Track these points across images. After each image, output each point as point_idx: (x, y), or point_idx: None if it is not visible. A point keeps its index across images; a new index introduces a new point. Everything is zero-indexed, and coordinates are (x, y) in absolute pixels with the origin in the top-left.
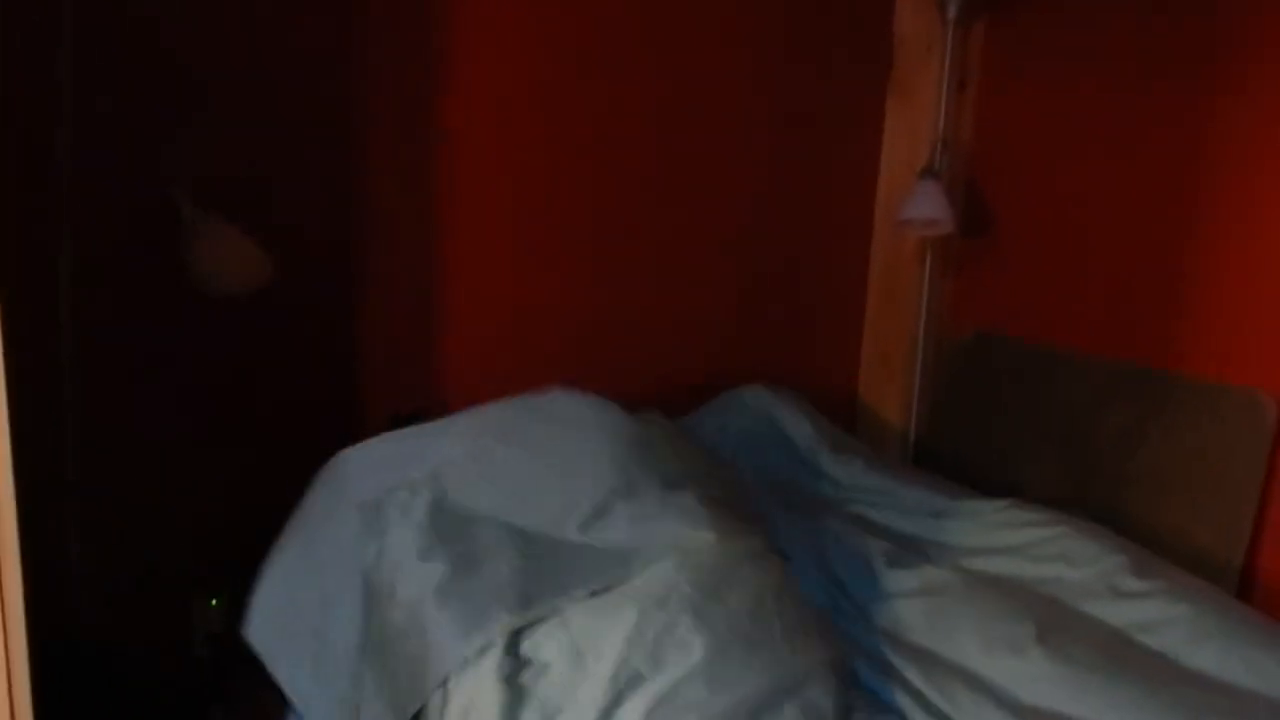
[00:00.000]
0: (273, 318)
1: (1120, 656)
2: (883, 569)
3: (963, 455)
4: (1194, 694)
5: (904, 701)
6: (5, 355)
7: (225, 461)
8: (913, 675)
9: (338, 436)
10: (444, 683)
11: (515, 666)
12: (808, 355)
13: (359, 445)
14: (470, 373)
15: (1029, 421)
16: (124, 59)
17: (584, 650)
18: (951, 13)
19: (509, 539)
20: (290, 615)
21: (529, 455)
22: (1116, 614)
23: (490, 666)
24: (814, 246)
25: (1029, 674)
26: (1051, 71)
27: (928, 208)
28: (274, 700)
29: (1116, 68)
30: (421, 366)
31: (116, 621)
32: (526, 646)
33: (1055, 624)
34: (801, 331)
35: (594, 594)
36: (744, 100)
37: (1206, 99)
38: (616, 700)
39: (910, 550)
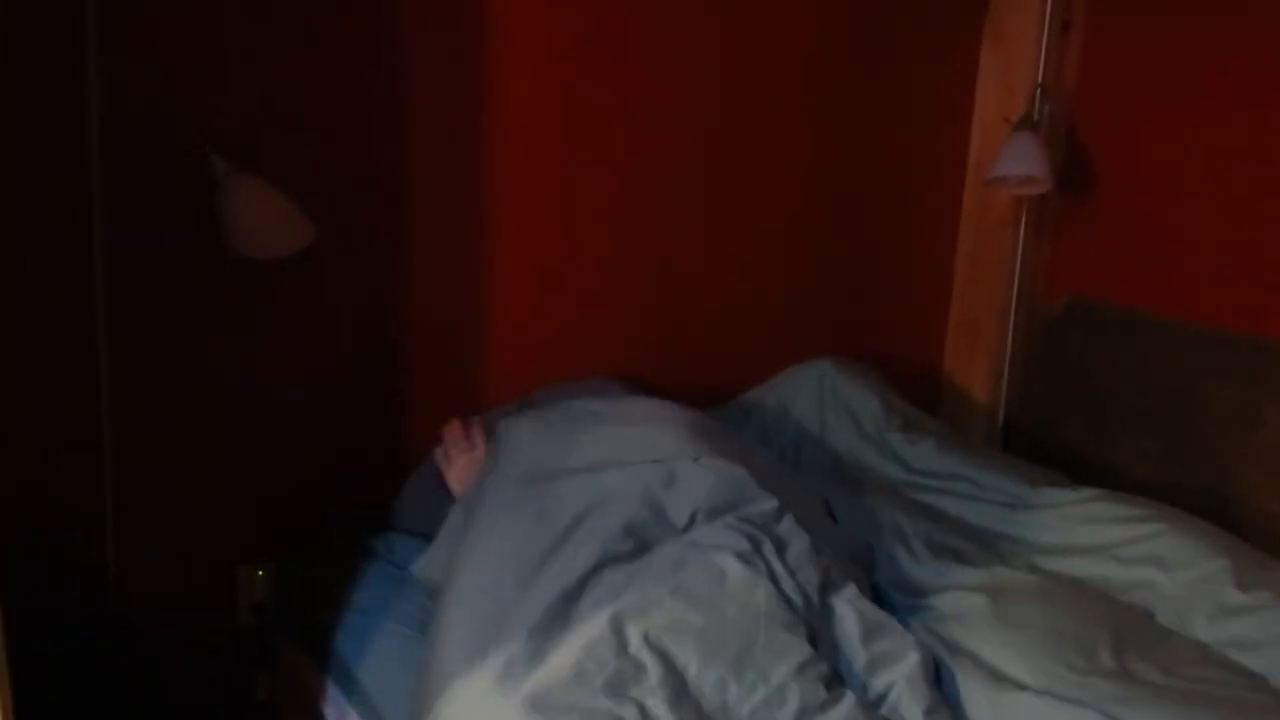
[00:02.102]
0: (315, 282)
1: (1209, 680)
2: (946, 566)
3: (1055, 433)
4: None
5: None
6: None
7: (270, 430)
8: (967, 686)
9: (381, 410)
10: None
11: None
12: (888, 325)
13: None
14: (523, 351)
15: (1129, 397)
16: (152, 12)
17: None
18: None
19: None
20: None
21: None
22: (1211, 632)
23: None
24: (898, 207)
25: (1095, 694)
26: (1167, 10)
27: (1023, 163)
28: (315, 669)
29: (1241, 5)
30: (470, 338)
31: (157, 589)
32: None
33: (1136, 640)
34: (883, 300)
35: None
36: (820, 48)
37: None
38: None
39: (979, 545)
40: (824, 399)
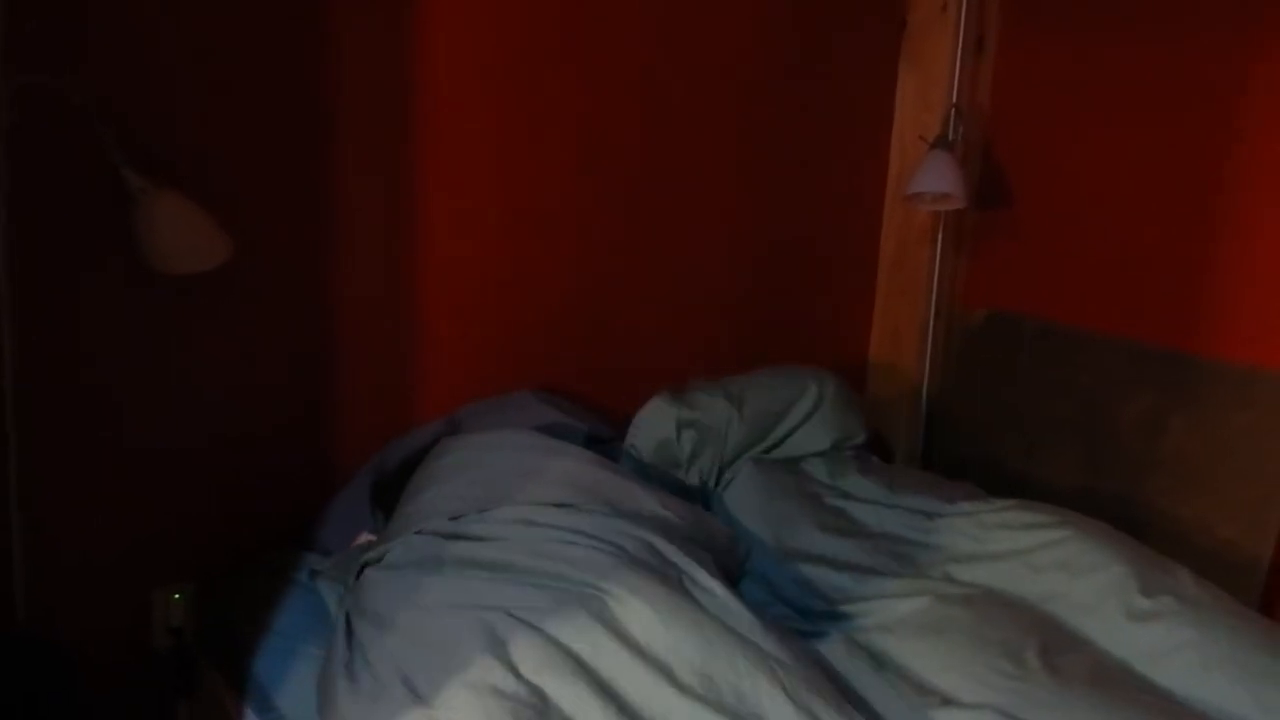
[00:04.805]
0: (233, 298)
1: (1127, 686)
2: (865, 576)
3: (975, 443)
4: None
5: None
6: None
7: (188, 451)
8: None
9: (304, 429)
10: None
11: None
12: (813, 337)
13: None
14: (448, 367)
15: (1044, 406)
16: (62, 23)
17: None
18: None
19: None
20: None
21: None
22: (1121, 642)
23: None
24: (823, 221)
25: (1028, 701)
26: (1076, 31)
27: (939, 180)
28: (233, 694)
29: (1147, 29)
30: (395, 356)
31: (70, 614)
32: None
33: (1058, 645)
34: (808, 311)
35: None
36: (746, 70)
37: (1241, 64)
38: None
39: (897, 555)
40: None
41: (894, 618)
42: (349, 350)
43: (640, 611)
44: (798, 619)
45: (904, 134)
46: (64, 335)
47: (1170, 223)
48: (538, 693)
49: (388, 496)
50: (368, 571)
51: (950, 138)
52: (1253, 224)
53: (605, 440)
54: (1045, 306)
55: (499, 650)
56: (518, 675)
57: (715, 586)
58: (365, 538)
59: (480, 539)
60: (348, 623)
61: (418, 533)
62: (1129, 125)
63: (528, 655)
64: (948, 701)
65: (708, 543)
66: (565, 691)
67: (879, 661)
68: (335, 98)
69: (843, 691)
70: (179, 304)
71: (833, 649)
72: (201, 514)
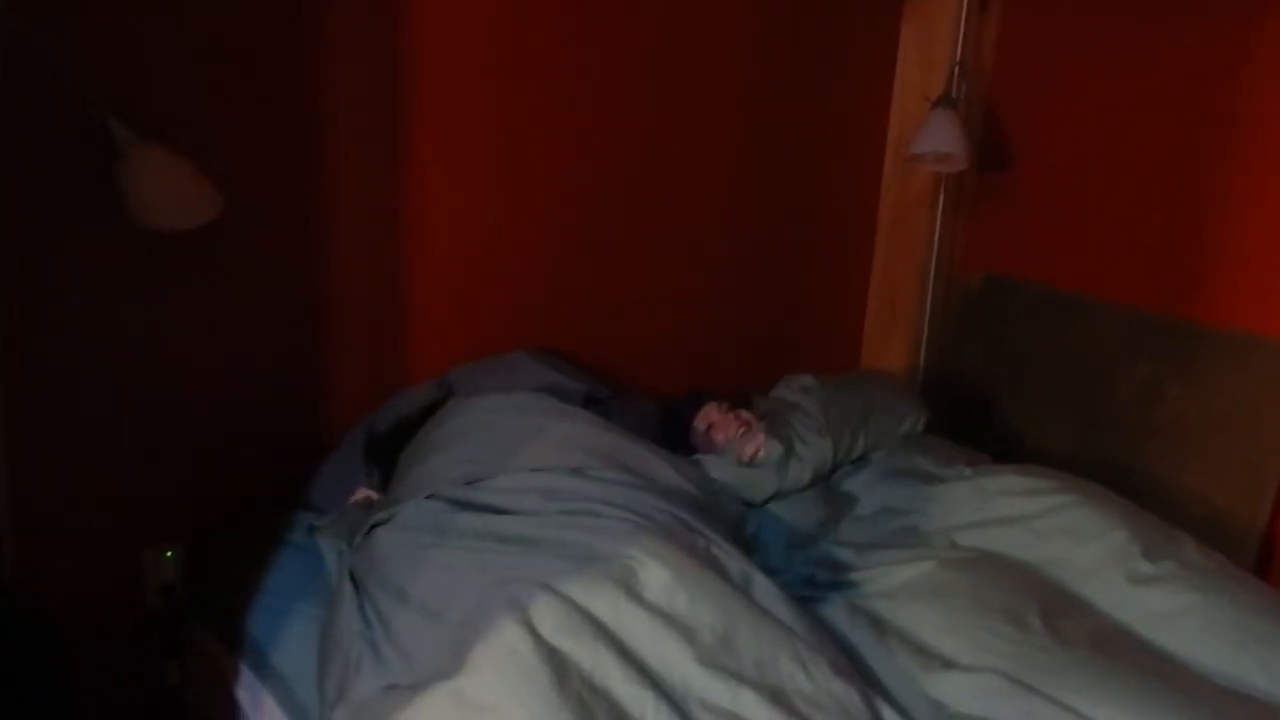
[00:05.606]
0: (223, 256)
1: (1131, 651)
2: (868, 543)
3: (971, 407)
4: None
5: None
6: None
7: (177, 410)
8: (892, 668)
9: (297, 387)
10: None
11: None
12: (810, 299)
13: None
14: (442, 327)
15: (1041, 372)
16: None
17: None
18: None
19: None
20: None
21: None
22: (1124, 604)
23: None
24: (821, 183)
25: (1030, 665)
26: None
27: (941, 140)
28: (227, 653)
29: None
30: (389, 314)
31: (59, 574)
32: None
33: (1061, 610)
34: (805, 274)
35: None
36: (744, 28)
37: (1246, 30)
38: None
39: (901, 522)
40: None
41: (896, 583)
42: (341, 310)
43: (662, 576)
44: (801, 587)
45: (905, 93)
46: (49, 293)
47: (1171, 189)
48: (557, 655)
49: (382, 455)
50: (378, 531)
51: (953, 96)
52: (1253, 191)
53: (602, 401)
54: (1044, 271)
55: (519, 614)
56: (537, 637)
57: (739, 556)
58: (363, 493)
59: (502, 511)
60: (355, 586)
61: (429, 496)
62: (1132, 88)
63: (547, 618)
64: (949, 665)
65: (719, 512)
66: (585, 655)
67: (880, 626)
68: (328, 51)
69: (863, 672)
70: (169, 262)
71: (835, 614)
72: (192, 475)
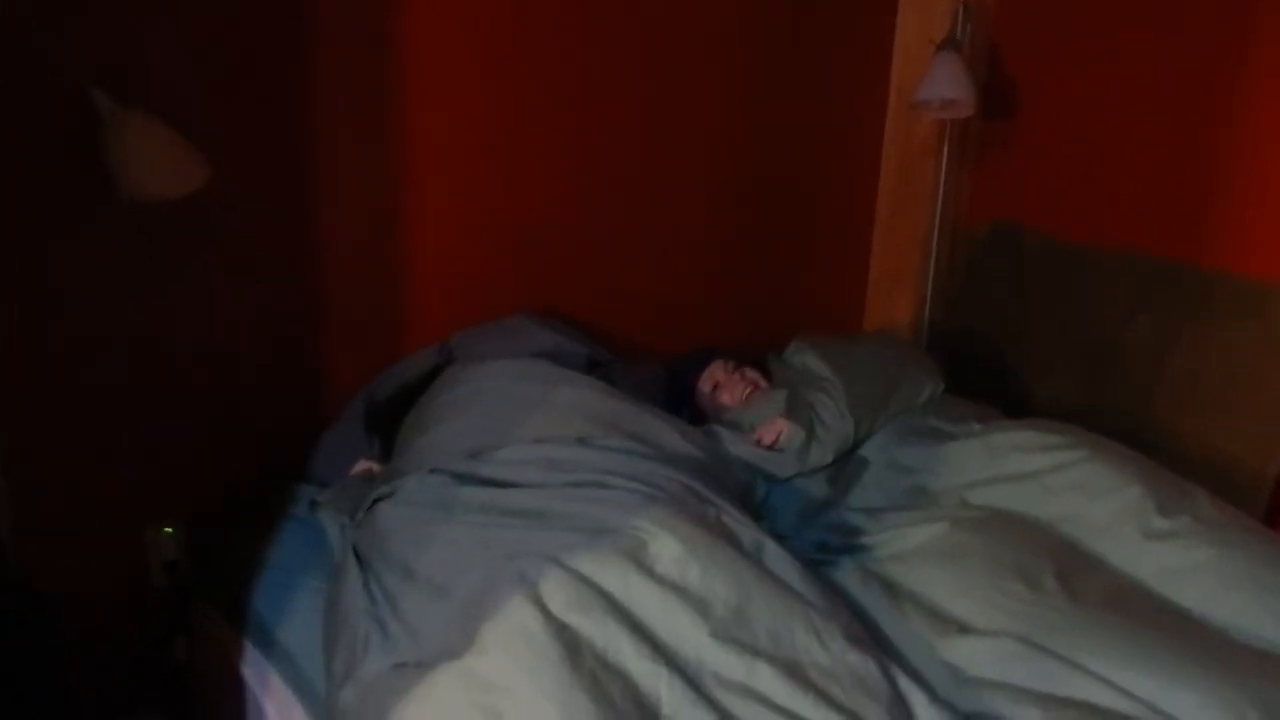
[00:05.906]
0: (214, 226)
1: (1146, 608)
2: (880, 506)
3: (977, 359)
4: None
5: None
6: None
7: (174, 383)
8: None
9: (295, 359)
10: None
11: None
12: (813, 252)
13: None
14: (440, 293)
15: (1049, 322)
16: None
17: None
18: None
19: None
20: None
21: None
22: (1139, 560)
23: None
24: (823, 133)
25: (1043, 625)
26: None
27: (947, 86)
28: (232, 629)
29: None
30: (386, 282)
31: (62, 553)
32: None
33: (1075, 567)
34: (808, 227)
35: None
36: None
37: None
38: None
39: (911, 483)
40: None
41: (908, 546)
42: (338, 279)
43: (674, 548)
44: (812, 553)
45: (907, 37)
46: (37, 266)
47: (1179, 133)
48: (568, 632)
49: (383, 424)
50: (381, 505)
51: (958, 38)
52: (1263, 134)
53: (605, 364)
54: (1052, 220)
55: (529, 590)
56: (547, 614)
57: (750, 524)
58: (364, 465)
59: (506, 484)
60: (360, 561)
61: (433, 470)
62: (1139, 32)
63: (557, 593)
64: (964, 629)
65: (728, 480)
66: (597, 631)
67: (894, 591)
68: (320, 14)
69: (877, 639)
70: (158, 233)
71: (847, 579)
72: (191, 450)
